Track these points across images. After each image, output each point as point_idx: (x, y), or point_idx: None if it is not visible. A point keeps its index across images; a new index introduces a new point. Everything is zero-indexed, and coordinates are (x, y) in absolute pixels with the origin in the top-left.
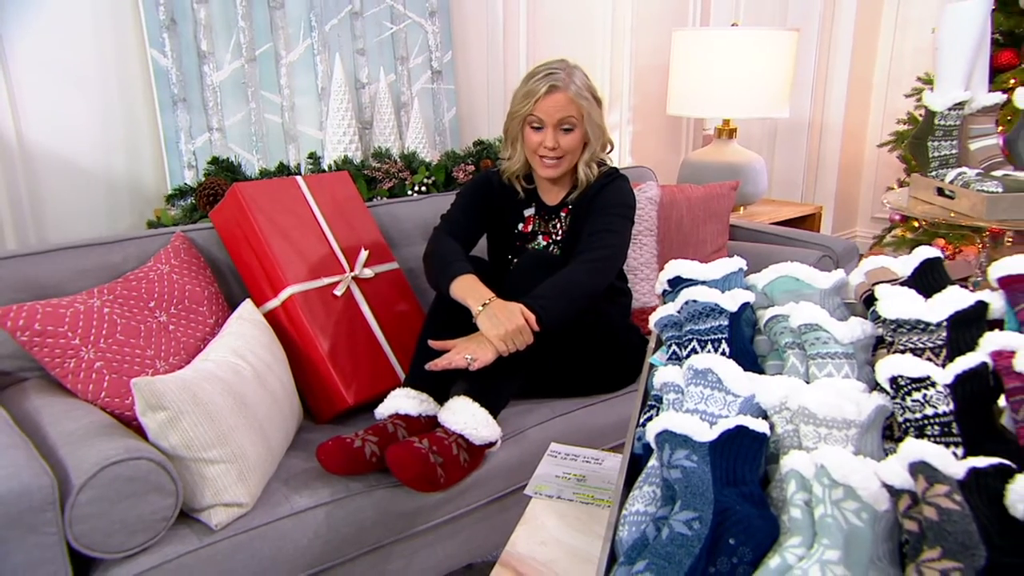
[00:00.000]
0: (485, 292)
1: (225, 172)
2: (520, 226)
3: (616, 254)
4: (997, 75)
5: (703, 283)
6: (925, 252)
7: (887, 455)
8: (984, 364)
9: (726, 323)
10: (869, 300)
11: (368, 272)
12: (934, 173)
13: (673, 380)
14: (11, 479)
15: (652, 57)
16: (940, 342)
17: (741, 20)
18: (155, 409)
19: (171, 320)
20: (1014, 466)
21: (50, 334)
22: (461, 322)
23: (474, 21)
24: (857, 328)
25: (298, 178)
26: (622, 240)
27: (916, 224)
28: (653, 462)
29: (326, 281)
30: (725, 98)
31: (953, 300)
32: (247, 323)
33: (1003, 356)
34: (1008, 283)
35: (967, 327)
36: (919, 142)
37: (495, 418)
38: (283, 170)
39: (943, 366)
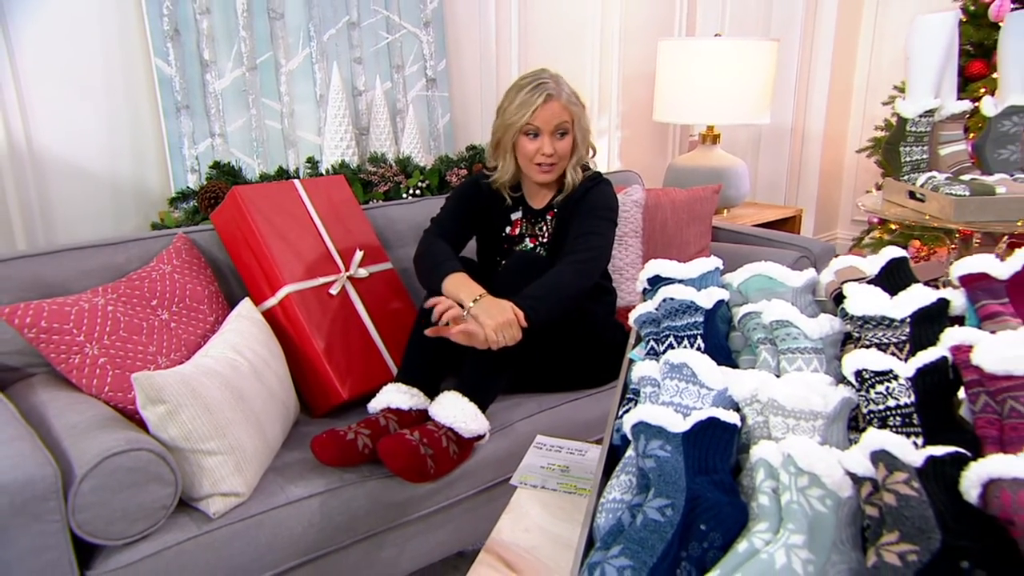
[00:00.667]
0: (476, 288)
1: (226, 176)
2: (508, 229)
3: (600, 256)
4: (969, 84)
5: (681, 282)
6: (892, 252)
7: (852, 445)
8: (944, 358)
9: (701, 319)
10: (839, 298)
11: (363, 272)
12: (906, 177)
13: (650, 374)
14: (16, 469)
15: (639, 65)
16: (904, 337)
17: (726, 30)
18: (155, 402)
19: (172, 318)
20: (969, 455)
21: (56, 331)
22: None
23: (467, 31)
24: (826, 324)
25: (295, 182)
26: (606, 242)
27: (893, 226)
28: (630, 452)
29: (322, 280)
30: (709, 105)
31: (917, 297)
32: (246, 321)
33: (962, 350)
34: (968, 281)
35: (929, 323)
36: (892, 147)
37: (484, 412)
38: (282, 174)
39: (906, 360)
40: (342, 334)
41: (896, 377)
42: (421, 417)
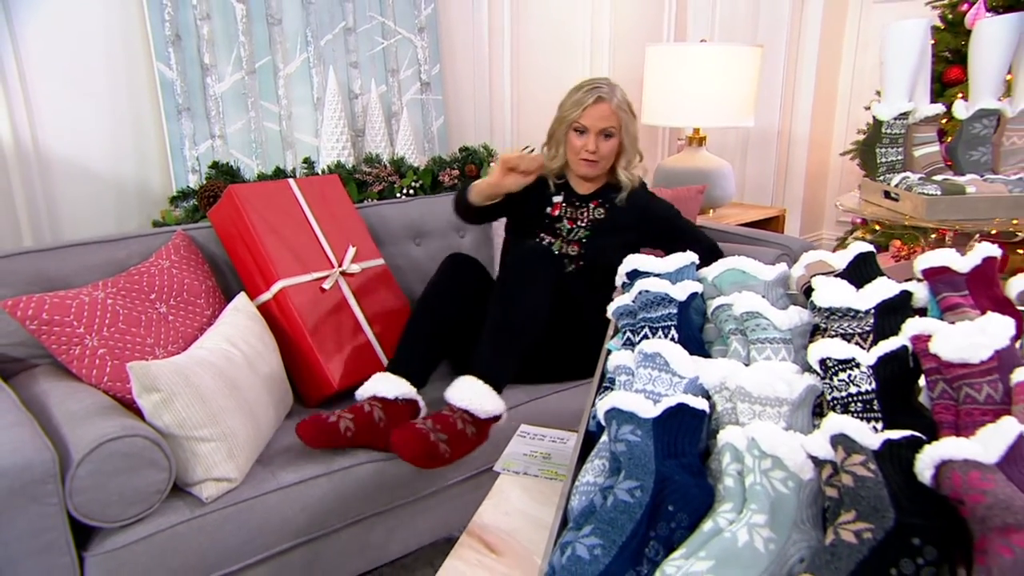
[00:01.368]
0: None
1: (225, 176)
2: (549, 209)
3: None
4: (946, 90)
5: (657, 275)
6: (859, 247)
7: (816, 431)
8: (904, 347)
9: (675, 311)
10: (808, 291)
11: (355, 267)
12: (882, 178)
13: (625, 363)
14: (15, 453)
15: (628, 70)
16: (868, 328)
17: (715, 36)
18: (150, 391)
19: (170, 311)
20: (925, 438)
21: (57, 323)
22: (447, 315)
23: (461, 36)
24: (795, 316)
25: (290, 181)
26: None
27: (876, 227)
28: (604, 438)
29: (315, 275)
30: (695, 108)
31: (881, 290)
32: (241, 314)
33: (921, 340)
34: (931, 274)
35: (893, 314)
36: (868, 149)
37: (499, 394)
38: (280, 174)
39: (868, 350)
40: (334, 327)
41: (858, 365)
42: (409, 408)
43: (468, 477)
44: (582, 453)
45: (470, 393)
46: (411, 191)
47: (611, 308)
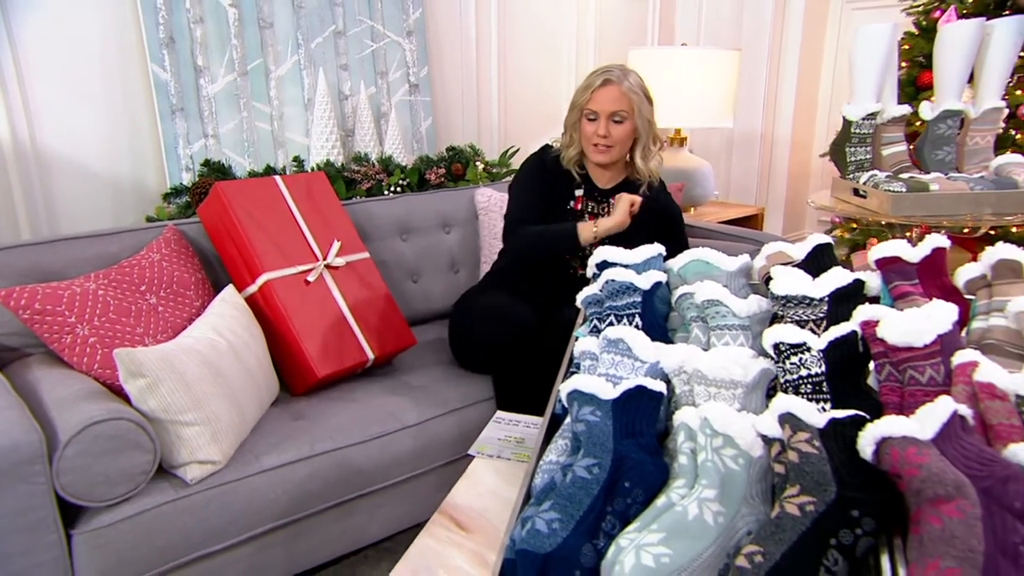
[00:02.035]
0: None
1: (216, 174)
2: (571, 204)
3: None
4: (921, 92)
5: (625, 266)
6: (817, 239)
7: None
8: (854, 332)
9: (639, 299)
10: (769, 280)
11: (340, 261)
12: (851, 176)
13: (590, 349)
14: (4, 435)
15: None
16: (822, 315)
17: (701, 40)
18: (135, 376)
19: (160, 302)
20: (868, 417)
21: (49, 312)
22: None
23: (448, 39)
24: (754, 304)
25: (276, 178)
26: None
27: (854, 225)
28: (568, 420)
29: (300, 268)
30: (676, 110)
31: (835, 279)
32: (228, 305)
33: (870, 325)
34: (883, 264)
35: (845, 302)
36: (838, 148)
37: None
38: (270, 172)
39: (822, 335)
40: (318, 318)
41: (809, 349)
42: None
43: (448, 462)
44: (549, 435)
45: None
46: (398, 189)
47: (580, 297)
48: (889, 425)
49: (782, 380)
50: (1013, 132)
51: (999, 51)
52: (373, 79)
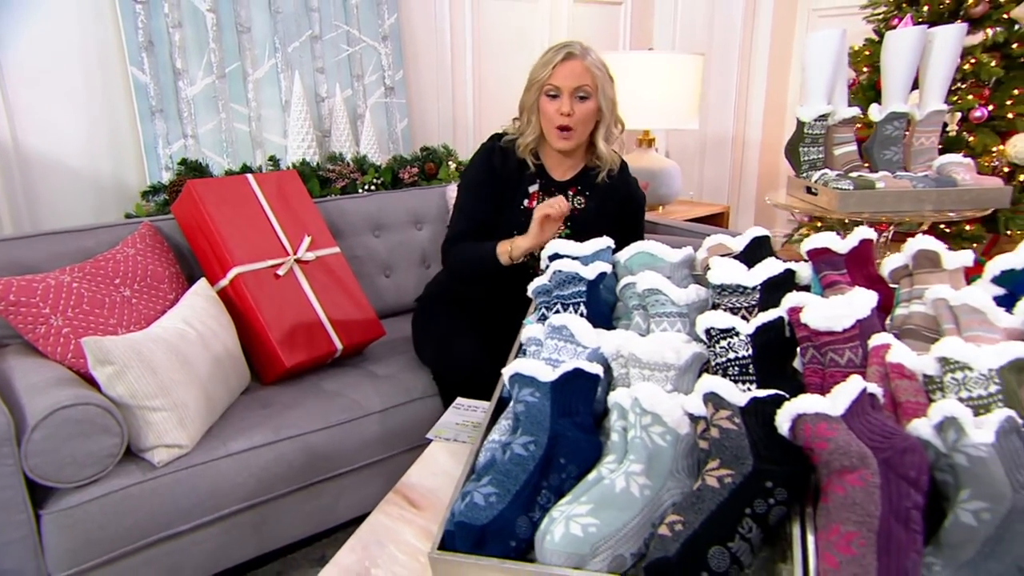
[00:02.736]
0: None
1: (193, 172)
2: (525, 202)
3: None
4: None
5: (576, 258)
6: (754, 231)
7: None
8: (780, 318)
9: (584, 289)
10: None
11: (310, 255)
12: (805, 174)
13: (535, 335)
14: None
15: None
16: (754, 302)
17: (676, 46)
18: (103, 364)
19: (134, 295)
20: (787, 396)
21: (23, 304)
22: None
23: (424, 44)
24: (692, 292)
25: (248, 176)
26: None
27: (819, 223)
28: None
29: (270, 263)
30: (643, 112)
31: (767, 269)
32: (200, 297)
33: (795, 311)
34: (814, 255)
35: (776, 290)
36: (793, 148)
37: None
38: (246, 171)
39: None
40: (287, 310)
41: (737, 334)
42: None
43: (413, 447)
44: (496, 417)
45: None
46: (372, 187)
47: (531, 287)
48: (804, 403)
49: (713, 363)
50: (966, 134)
51: (941, 57)
52: (349, 82)
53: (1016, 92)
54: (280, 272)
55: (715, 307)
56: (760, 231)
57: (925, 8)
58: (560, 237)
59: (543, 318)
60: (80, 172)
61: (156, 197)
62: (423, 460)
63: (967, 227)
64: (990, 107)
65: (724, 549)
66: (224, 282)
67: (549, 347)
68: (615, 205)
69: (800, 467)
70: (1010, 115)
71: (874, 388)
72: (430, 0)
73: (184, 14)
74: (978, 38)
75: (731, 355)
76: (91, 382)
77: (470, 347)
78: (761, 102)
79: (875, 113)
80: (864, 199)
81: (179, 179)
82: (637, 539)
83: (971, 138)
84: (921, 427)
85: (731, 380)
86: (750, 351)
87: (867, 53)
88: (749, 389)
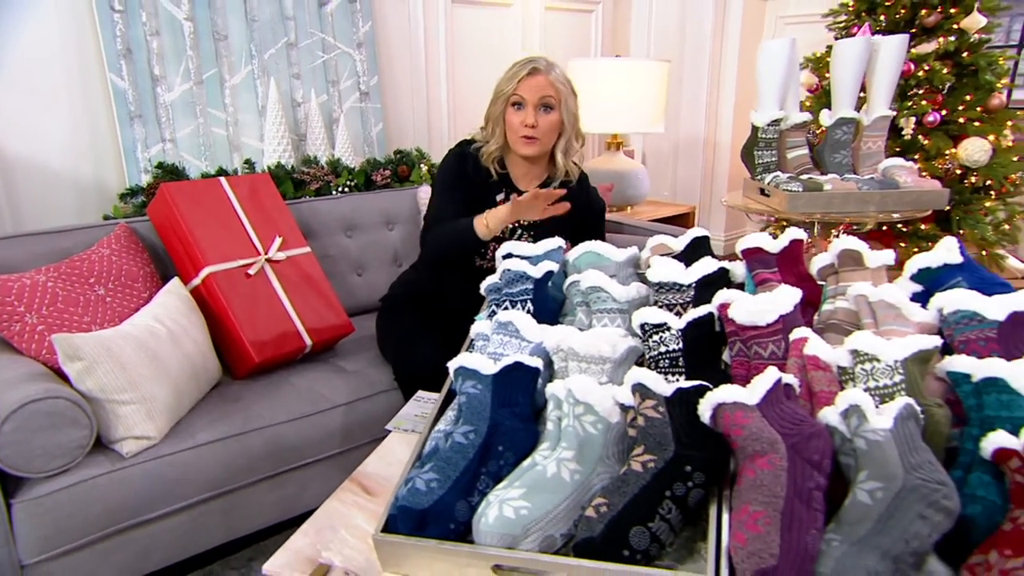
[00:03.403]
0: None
1: (169, 175)
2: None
3: None
4: None
5: (527, 258)
6: (694, 232)
7: None
8: (710, 314)
9: (532, 287)
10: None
11: (280, 255)
12: (759, 177)
13: (483, 331)
14: None
15: None
16: (689, 299)
17: (651, 52)
18: (73, 359)
19: (108, 293)
20: (711, 386)
21: None
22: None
23: (398, 50)
24: (632, 290)
25: (221, 179)
26: None
27: (785, 223)
28: None
29: (241, 263)
30: (610, 116)
31: (702, 267)
32: (172, 296)
33: (724, 307)
34: (748, 254)
35: (710, 288)
36: (748, 152)
37: None
38: (222, 174)
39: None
40: (258, 307)
41: (669, 329)
42: None
43: (376, 438)
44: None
45: None
46: (346, 189)
47: (483, 286)
48: (723, 392)
49: (647, 356)
50: (921, 138)
51: (885, 65)
52: (325, 87)
53: (968, 98)
54: (251, 271)
55: (655, 304)
56: (700, 232)
57: (882, 17)
58: (512, 232)
59: (493, 314)
60: (61, 175)
61: (134, 199)
62: (381, 450)
63: (922, 227)
64: (943, 112)
65: (645, 529)
66: (196, 281)
67: (495, 342)
68: (576, 212)
69: (717, 453)
70: (961, 120)
71: (790, 379)
72: (404, 8)
73: (162, 22)
74: (932, 47)
75: (662, 348)
76: (64, 377)
77: (430, 347)
78: (731, 105)
79: (825, 118)
80: (812, 200)
81: (156, 182)
82: (567, 521)
83: (925, 141)
84: (829, 415)
85: (662, 372)
86: (680, 345)
87: (828, 60)
88: (678, 380)
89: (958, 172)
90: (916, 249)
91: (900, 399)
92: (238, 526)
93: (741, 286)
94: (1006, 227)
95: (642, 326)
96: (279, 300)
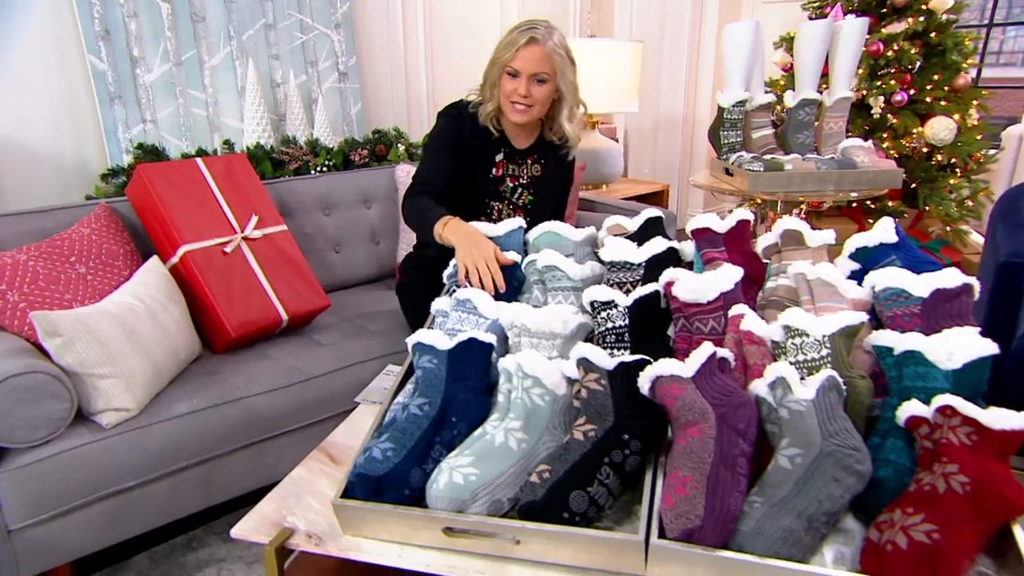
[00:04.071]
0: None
1: (150, 156)
2: (492, 171)
3: None
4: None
5: (491, 239)
6: (648, 212)
7: None
8: (656, 292)
9: None
10: None
11: (257, 233)
12: (725, 156)
13: (443, 308)
14: None
15: None
16: (638, 277)
17: (634, 32)
18: (51, 336)
19: (89, 271)
20: (651, 360)
21: None
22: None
23: (378, 30)
24: (587, 269)
25: (198, 160)
26: None
27: (759, 200)
28: None
29: (217, 241)
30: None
31: (652, 247)
32: (151, 274)
33: (669, 285)
34: (697, 234)
35: (659, 266)
36: (714, 132)
37: None
38: (201, 154)
39: None
40: (234, 284)
41: (616, 306)
42: None
43: (349, 409)
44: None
45: None
46: (324, 169)
47: (446, 274)
48: (661, 366)
49: (596, 332)
50: (890, 116)
51: (847, 47)
52: (303, 68)
53: (936, 77)
54: (228, 249)
55: (607, 282)
56: (653, 212)
57: None
58: (522, 203)
59: (453, 292)
60: (43, 156)
61: (115, 179)
62: (349, 421)
63: (890, 203)
64: (911, 91)
65: (584, 493)
66: (174, 259)
67: (454, 318)
68: (563, 176)
69: (654, 422)
70: (929, 99)
71: (725, 353)
72: None
73: (139, 4)
74: (902, 27)
75: (609, 325)
76: (46, 353)
77: None
78: (710, 84)
79: (789, 99)
80: (773, 180)
81: (137, 162)
82: (514, 486)
83: (894, 120)
84: (758, 386)
85: (609, 347)
86: (626, 321)
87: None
88: (623, 354)
89: (925, 150)
90: None
91: (824, 371)
92: (216, 493)
93: (691, 265)
94: (970, 204)
95: (591, 303)
96: (255, 277)
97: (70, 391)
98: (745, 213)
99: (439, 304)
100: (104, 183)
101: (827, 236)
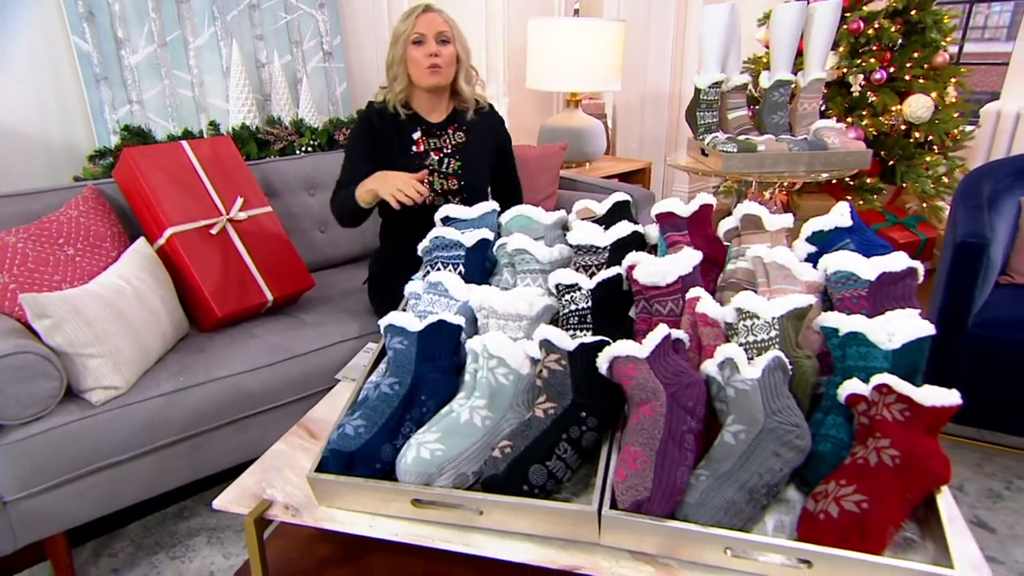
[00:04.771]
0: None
1: (136, 138)
2: (414, 148)
3: None
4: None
5: (464, 221)
6: (616, 197)
7: None
8: (618, 275)
9: (462, 252)
10: None
11: (242, 215)
12: (701, 137)
13: (416, 290)
14: None
15: (521, 40)
16: (603, 261)
17: (622, 11)
18: (40, 317)
19: (77, 253)
20: (610, 341)
21: None
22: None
23: (362, 10)
24: (556, 252)
25: (183, 142)
26: None
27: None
28: None
29: (203, 223)
30: (568, 74)
31: (618, 230)
32: (138, 255)
33: (631, 268)
34: (661, 218)
35: (624, 250)
36: (691, 112)
37: None
38: (188, 135)
39: None
40: (220, 265)
41: (580, 288)
42: None
43: (331, 386)
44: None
45: None
46: (309, 149)
47: (420, 247)
48: (619, 347)
49: (561, 314)
50: (869, 94)
51: (820, 29)
52: (288, 48)
53: (915, 55)
54: (213, 231)
55: (574, 265)
56: (621, 196)
57: None
58: (451, 171)
59: (427, 275)
60: (30, 138)
61: (103, 160)
62: (329, 397)
63: (868, 180)
64: (891, 69)
65: (543, 467)
66: (161, 241)
67: (426, 300)
68: (492, 139)
69: (610, 401)
70: (908, 77)
71: (680, 334)
72: None
73: None
74: (882, 4)
75: (573, 307)
76: (36, 333)
77: None
78: (695, 61)
79: (765, 80)
80: (746, 160)
81: (124, 144)
82: (478, 461)
83: (873, 98)
84: (709, 366)
85: (572, 328)
86: (589, 303)
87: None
88: (585, 336)
89: (903, 128)
90: (862, 201)
91: (771, 352)
92: (202, 467)
93: (655, 248)
94: (945, 180)
95: (556, 286)
96: (241, 257)
97: (60, 370)
98: (708, 198)
99: (412, 287)
100: (91, 164)
101: (785, 220)
